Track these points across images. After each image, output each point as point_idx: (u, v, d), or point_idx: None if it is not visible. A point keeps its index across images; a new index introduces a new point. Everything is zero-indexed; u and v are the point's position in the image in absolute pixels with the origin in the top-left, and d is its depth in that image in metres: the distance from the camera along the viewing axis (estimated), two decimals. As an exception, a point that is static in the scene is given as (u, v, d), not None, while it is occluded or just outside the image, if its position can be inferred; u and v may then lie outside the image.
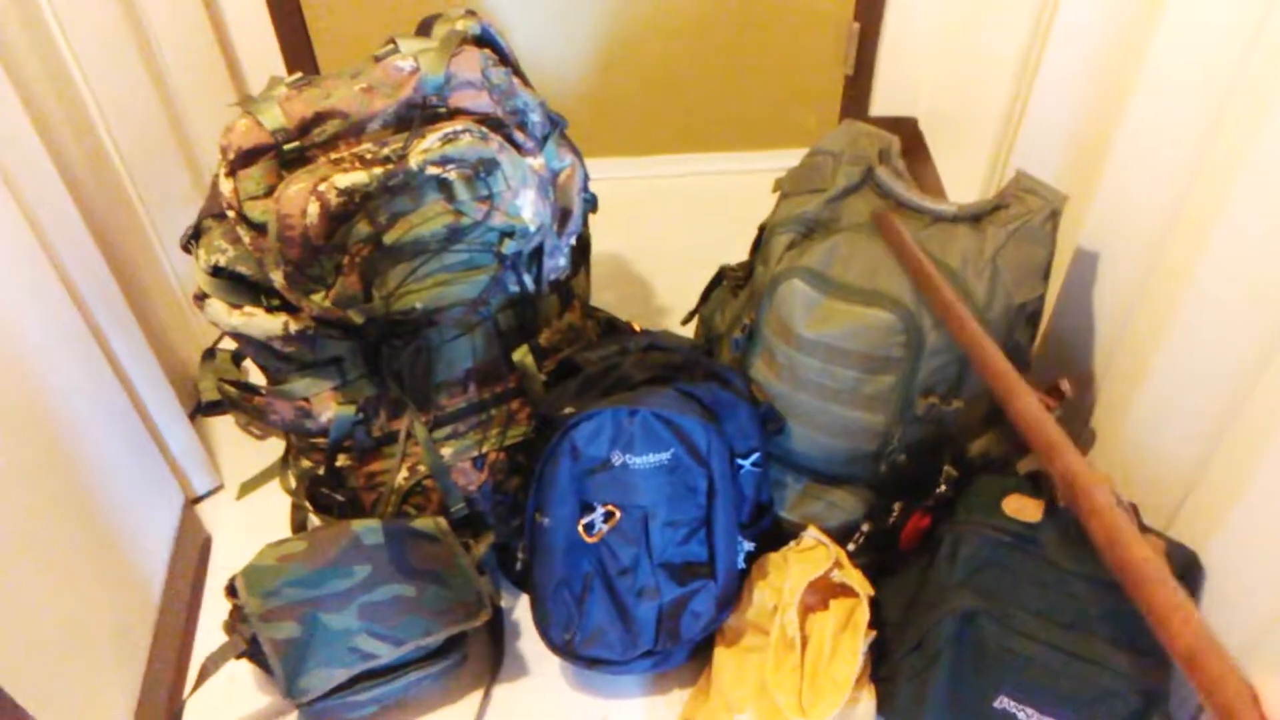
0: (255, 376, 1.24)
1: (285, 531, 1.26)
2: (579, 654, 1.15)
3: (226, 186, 1.05)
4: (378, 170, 1.02)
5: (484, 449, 1.22)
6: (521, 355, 1.21)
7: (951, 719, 1.05)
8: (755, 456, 1.16)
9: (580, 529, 1.11)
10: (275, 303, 1.11)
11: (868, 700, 1.11)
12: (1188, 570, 1.01)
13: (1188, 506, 1.08)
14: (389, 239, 1.04)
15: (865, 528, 1.18)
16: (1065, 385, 1.16)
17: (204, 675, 1.10)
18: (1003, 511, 1.03)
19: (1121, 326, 1.17)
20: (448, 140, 1.04)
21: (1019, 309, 1.10)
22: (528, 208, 1.09)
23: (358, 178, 1.01)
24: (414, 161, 1.03)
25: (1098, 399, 1.25)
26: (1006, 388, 0.95)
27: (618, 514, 1.11)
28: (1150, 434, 1.13)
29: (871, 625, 1.12)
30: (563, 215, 1.19)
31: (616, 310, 1.41)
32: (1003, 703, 1.00)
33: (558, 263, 1.20)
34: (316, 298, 1.06)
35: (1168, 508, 1.11)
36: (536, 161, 1.12)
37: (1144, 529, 1.03)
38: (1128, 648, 0.95)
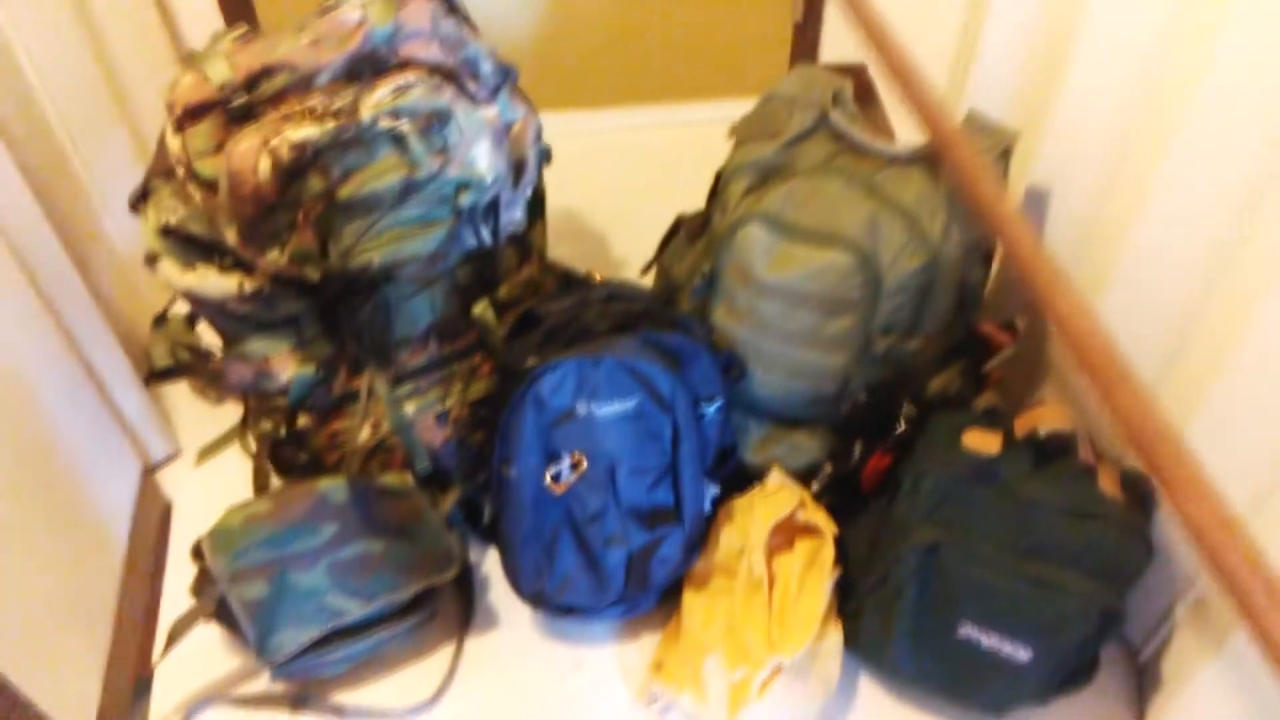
0: (210, 342, 1.23)
1: (246, 495, 1.25)
2: (550, 602, 1.16)
3: (175, 143, 1.03)
4: (329, 124, 1.00)
5: (447, 405, 1.21)
6: (481, 309, 1.20)
7: (916, 649, 1.08)
8: (718, 402, 1.17)
9: (547, 479, 1.12)
10: (228, 262, 1.10)
11: (835, 636, 1.13)
12: (1143, 495, 1.04)
13: (1139, 435, 1.11)
14: (343, 194, 1.03)
15: (828, 468, 1.20)
16: (1020, 322, 1.18)
17: (173, 639, 1.10)
18: (962, 446, 1.05)
19: (1073, 260, 1.19)
20: (399, 92, 1.03)
21: (973, 247, 1.11)
22: (483, 159, 1.08)
23: (309, 132, 0.99)
24: (365, 114, 1.02)
25: (1053, 335, 1.28)
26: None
27: (584, 463, 1.12)
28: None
29: (837, 563, 1.14)
30: (517, 167, 1.18)
31: (574, 264, 1.40)
32: (966, 631, 1.03)
33: (514, 215, 1.19)
34: (271, 255, 1.04)
35: (1119, 436, 1.14)
36: (490, 112, 1.10)
37: (1101, 457, 1.06)
38: (1086, 572, 0.98)
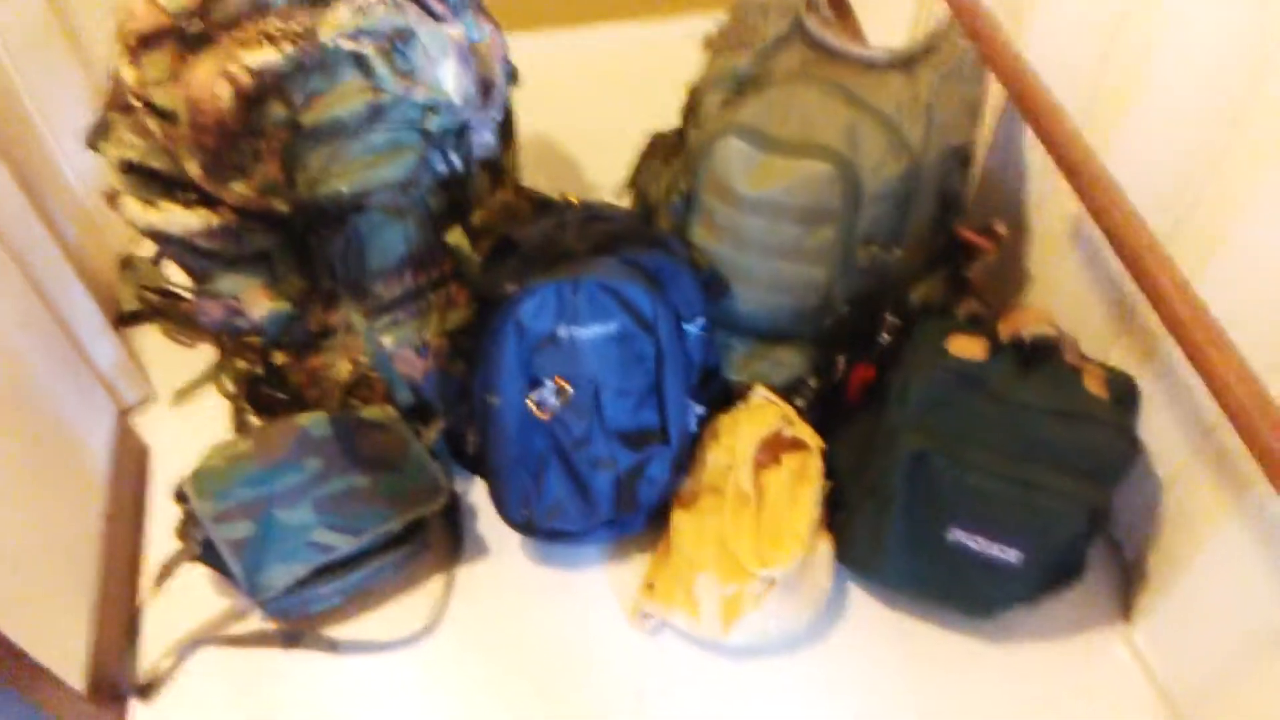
0: (180, 282, 1.20)
1: (225, 436, 1.24)
2: (539, 528, 1.16)
3: (130, 74, 0.99)
4: (288, 48, 0.97)
5: (425, 335, 1.19)
6: (456, 237, 1.18)
7: (908, 556, 1.09)
8: (700, 321, 1.16)
9: (532, 406, 1.11)
10: (193, 197, 1.06)
11: (825, 548, 1.14)
12: (1127, 395, 1.04)
13: (1124, 336, 1.11)
14: (307, 121, 1.00)
15: (812, 382, 1.19)
16: (1000, 227, 1.17)
17: (160, 581, 1.09)
18: (948, 352, 1.05)
19: (1053, 165, 1.18)
20: (359, 11, 0.99)
21: (953, 152, 1.10)
22: (450, 80, 1.05)
23: (268, 57, 0.96)
24: (325, 36, 0.98)
25: (1034, 238, 1.27)
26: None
27: (569, 388, 1.11)
28: (1087, 267, 1.15)
29: (824, 476, 1.14)
30: (485, 88, 1.14)
31: (549, 188, 1.37)
32: (956, 535, 1.04)
33: (485, 138, 1.16)
34: (237, 187, 1.01)
35: (1102, 338, 1.14)
36: (455, 30, 1.07)
37: (1084, 359, 1.06)
38: (1074, 472, 0.99)
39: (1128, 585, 1.17)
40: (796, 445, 1.17)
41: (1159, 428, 1.05)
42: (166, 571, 1.16)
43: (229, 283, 1.13)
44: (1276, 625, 0.91)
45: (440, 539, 1.22)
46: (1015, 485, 0.99)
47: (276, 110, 0.98)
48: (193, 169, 1.00)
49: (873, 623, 1.17)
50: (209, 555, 1.11)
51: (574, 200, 1.23)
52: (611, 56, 1.94)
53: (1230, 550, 0.96)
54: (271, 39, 0.97)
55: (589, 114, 1.79)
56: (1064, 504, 0.98)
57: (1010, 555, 1.03)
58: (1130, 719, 1.09)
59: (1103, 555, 1.20)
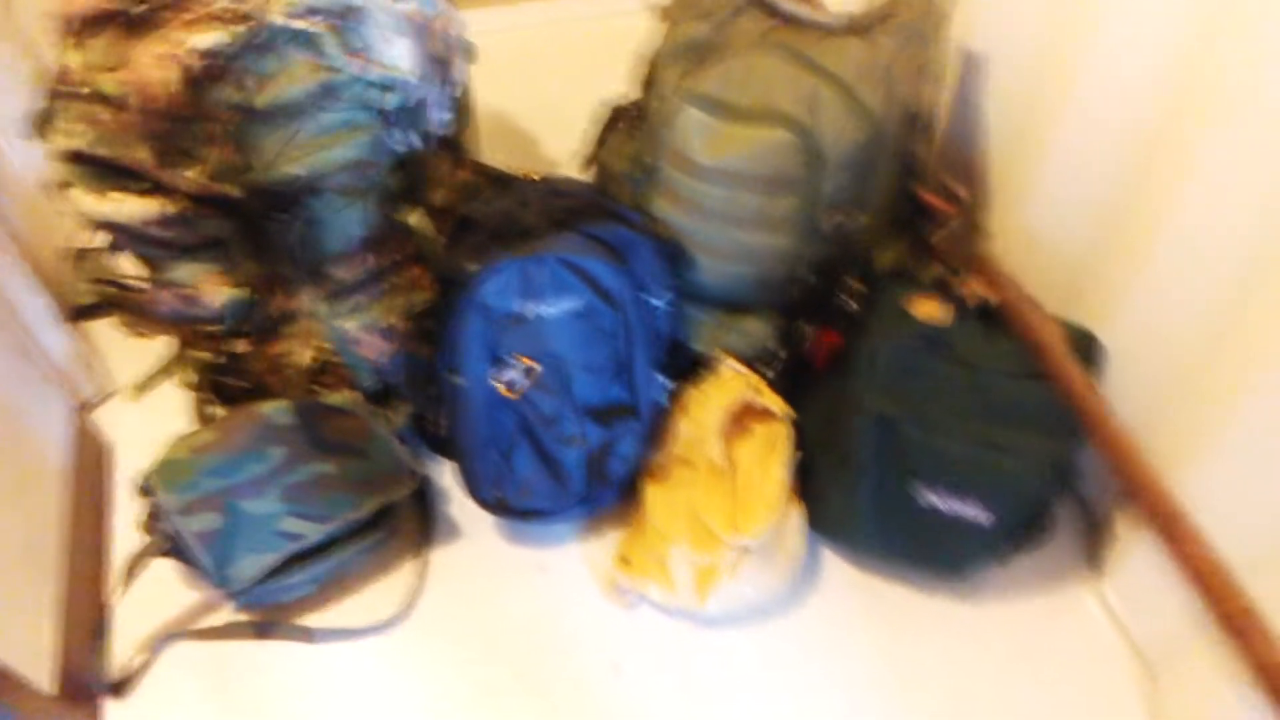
0: (135, 273, 1.17)
1: (188, 427, 1.22)
2: (510, 508, 1.16)
3: (74, 59, 0.96)
4: (236, 28, 0.94)
5: (388, 319, 1.18)
6: (416, 218, 1.16)
7: (878, 520, 1.09)
8: (666, 294, 1.15)
9: (499, 385, 1.10)
10: (144, 185, 1.04)
11: (797, 516, 1.14)
12: (1088, 351, 1.05)
13: (1085, 291, 1.12)
14: (259, 103, 0.98)
15: (780, 352, 1.19)
16: (961, 190, 1.18)
17: (128, 577, 1.07)
18: (913, 317, 1.05)
19: (1009, 121, 1.19)
20: (309, -12, 0.97)
21: (913, 116, 1.10)
22: (405, 57, 1.03)
23: (217, 37, 0.94)
24: (274, 15, 0.96)
25: (994, 197, 1.28)
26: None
27: (536, 367, 1.10)
28: (1046, 225, 1.16)
29: (794, 445, 1.15)
30: (441, 64, 1.13)
31: (510, 165, 1.36)
32: (925, 498, 1.04)
33: (442, 116, 1.15)
34: (188, 173, 0.99)
35: (1065, 294, 1.15)
36: (408, 6, 1.05)
37: (1044, 316, 1.07)
38: (1041, 431, 1.00)
39: (1097, 541, 1.19)
40: (765, 415, 1.17)
41: (1122, 381, 1.07)
42: (133, 567, 1.14)
43: (184, 271, 1.11)
44: (1244, 574, 0.92)
45: (411, 523, 1.21)
46: (982, 446, 1.00)
47: (226, 93, 0.96)
48: (142, 156, 0.98)
49: (846, 587, 1.18)
50: (176, 548, 1.09)
51: (534, 176, 1.22)
52: (568, 29, 1.92)
53: (1195, 500, 0.97)
54: (219, 19, 0.95)
55: (547, 88, 1.77)
56: (1031, 463, 0.99)
57: (979, 515, 1.04)
58: (1102, 672, 1.11)
59: (1072, 512, 1.21)
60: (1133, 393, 1.06)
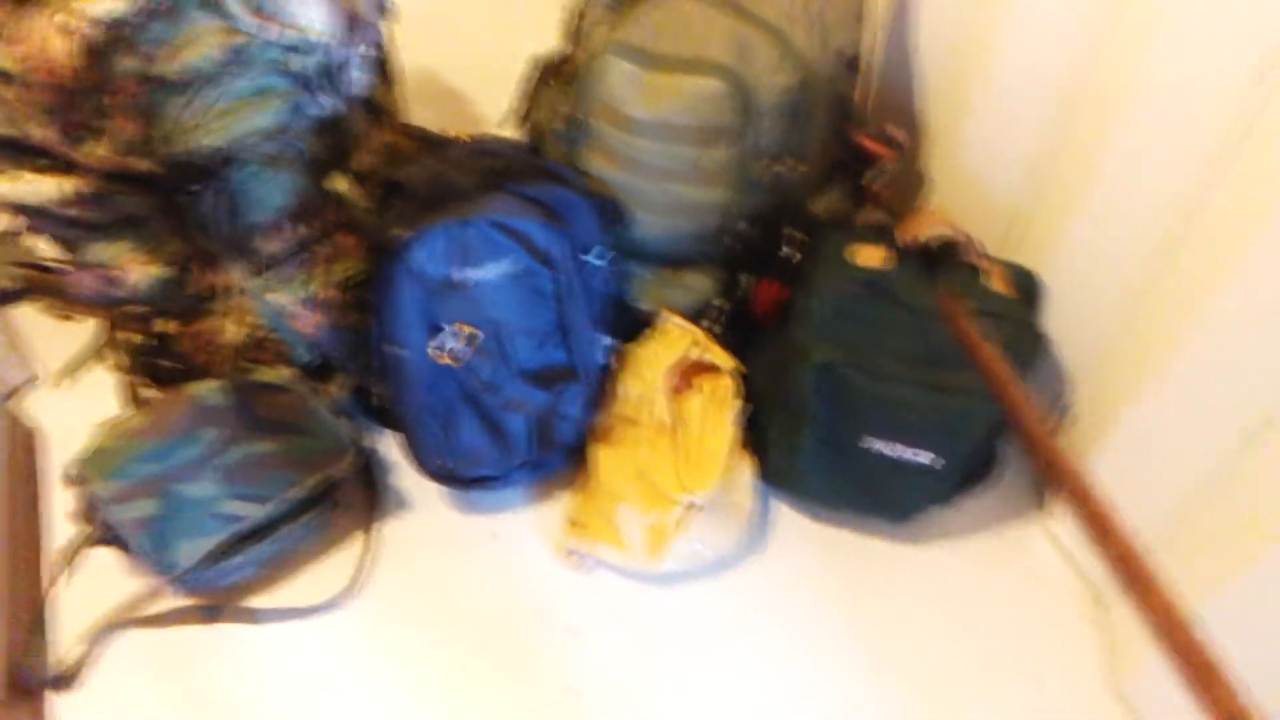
0: (51, 255, 1.12)
1: (120, 412, 1.18)
2: (456, 477, 1.14)
3: (-45, 34, 0.91)
4: (135, -7, 0.90)
5: (316, 289, 1.14)
6: (339, 183, 1.13)
7: (826, 468, 1.09)
8: (602, 251, 1.13)
9: (436, 353, 1.07)
10: (47, 163, 0.99)
11: (744, 468, 1.14)
12: (1029, 290, 1.05)
13: (1024, 230, 1.11)
14: (159, 71, 0.93)
15: (721, 304, 1.17)
16: (899, 134, 1.16)
17: (62, 569, 1.05)
18: (851, 263, 1.04)
19: (944, 63, 1.17)
20: (206, -52, 0.93)
21: (843, 58, 1.07)
22: (313, 15, 0.99)
23: (110, 4, 0.89)
24: (170, -23, 0.91)
25: (932, 141, 1.26)
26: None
27: (474, 332, 1.07)
28: (984, 167, 1.15)
29: (739, 397, 1.13)
30: (352, 21, 1.08)
31: (437, 126, 1.32)
32: (871, 443, 1.04)
33: (359, 76, 1.11)
34: (93, 149, 0.95)
35: (1004, 234, 1.14)
36: (315, -37, 1.01)
37: (986, 258, 1.06)
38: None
39: (1043, 478, 1.19)
40: (709, 369, 1.15)
41: (1063, 320, 1.06)
42: (70, 558, 1.11)
43: (104, 252, 1.07)
44: (1186, 504, 0.93)
45: (356, 497, 1.19)
46: (925, 389, 0.99)
47: (125, 62, 0.91)
48: (41, 132, 0.93)
49: (800, 537, 1.18)
50: (113, 537, 1.06)
51: (464, 137, 1.18)
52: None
53: (1136, 435, 0.97)
54: (114, -15, 0.90)
55: (477, 44, 1.72)
56: (974, 404, 0.99)
57: (925, 458, 1.04)
58: (1054, 606, 1.12)
59: (1016, 452, 1.22)
60: (1074, 331, 1.06)
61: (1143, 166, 0.90)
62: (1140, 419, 0.96)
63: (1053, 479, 0.73)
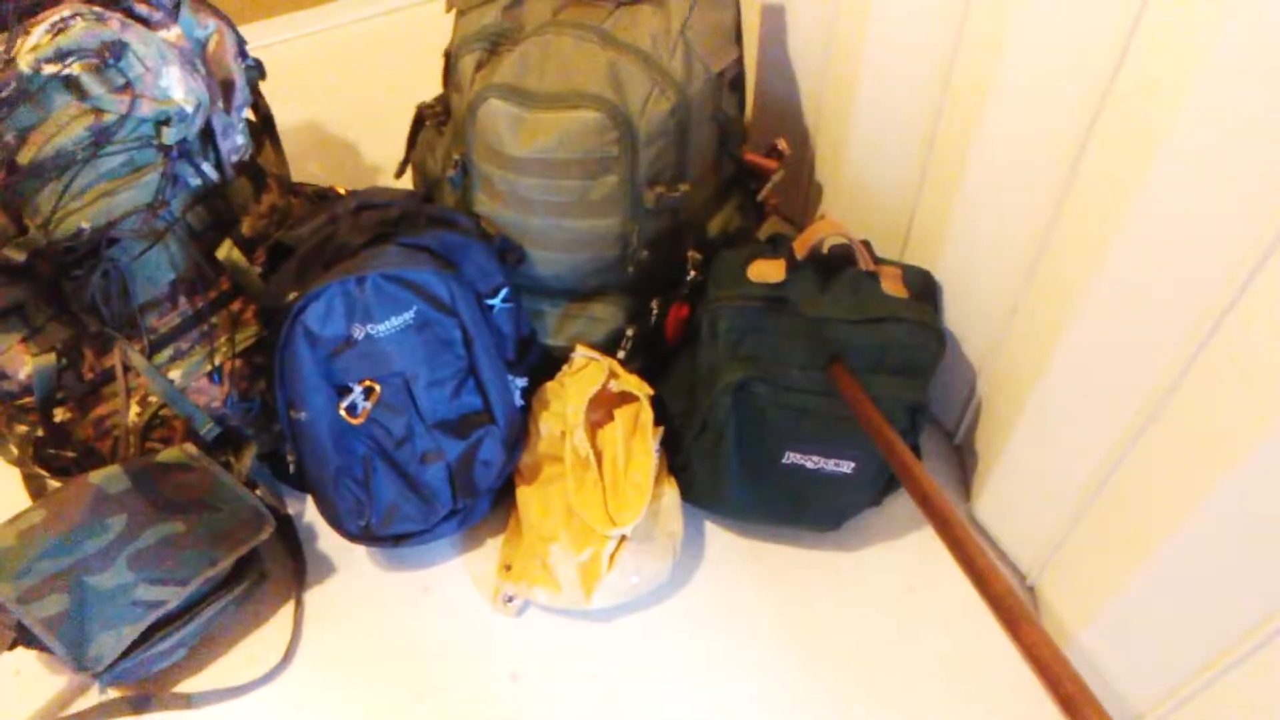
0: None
1: (22, 505, 1.14)
2: (379, 536, 1.12)
3: None
4: (-15, 82, 0.87)
5: (216, 361, 1.12)
6: (226, 251, 1.10)
7: (749, 485, 1.09)
8: (504, 292, 1.12)
9: (343, 413, 1.06)
10: (-87, 261, 0.96)
11: (671, 493, 1.13)
12: (926, 289, 1.06)
13: (914, 231, 1.13)
14: (24, 159, 0.91)
15: (630, 332, 1.17)
16: (782, 144, 1.17)
17: (-25, 680, 1.01)
18: (749, 279, 1.04)
19: (821, 75, 1.18)
20: (57, 30, 0.90)
21: (718, 78, 1.08)
22: (176, 87, 0.97)
23: (-38, 96, 0.87)
24: (25, 64, 0.89)
25: (815, 151, 1.27)
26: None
27: (377, 388, 1.06)
28: (868, 172, 1.16)
29: (659, 423, 1.13)
30: (225, 87, 1.07)
31: (327, 181, 1.30)
32: (789, 456, 1.04)
33: (235, 141, 1.09)
34: (-39, 245, 0.92)
35: (897, 237, 1.15)
36: (172, 33, 0.99)
37: (879, 261, 1.07)
38: (886, 373, 1.00)
39: (962, 467, 1.21)
40: (626, 398, 1.15)
41: (962, 315, 1.08)
42: (-17, 666, 1.07)
43: (-12, 345, 1.03)
44: (1094, 477, 0.94)
45: (280, 566, 1.16)
46: (831, 397, 1.00)
47: (-12, 154, 0.89)
48: (-97, 233, 0.90)
49: (731, 554, 1.18)
50: (27, 638, 1.02)
51: (343, 191, 1.17)
52: (366, 30, 1.84)
53: (1041, 417, 0.99)
54: (-39, 76, 0.87)
55: (360, 93, 1.70)
56: (885, 406, 0.99)
57: (845, 466, 1.04)
58: (985, 594, 1.13)
59: (937, 443, 1.23)
60: (969, 324, 1.07)
61: (1010, 158, 0.91)
62: (1038, 408, 0.98)
63: (940, 533, 0.76)
